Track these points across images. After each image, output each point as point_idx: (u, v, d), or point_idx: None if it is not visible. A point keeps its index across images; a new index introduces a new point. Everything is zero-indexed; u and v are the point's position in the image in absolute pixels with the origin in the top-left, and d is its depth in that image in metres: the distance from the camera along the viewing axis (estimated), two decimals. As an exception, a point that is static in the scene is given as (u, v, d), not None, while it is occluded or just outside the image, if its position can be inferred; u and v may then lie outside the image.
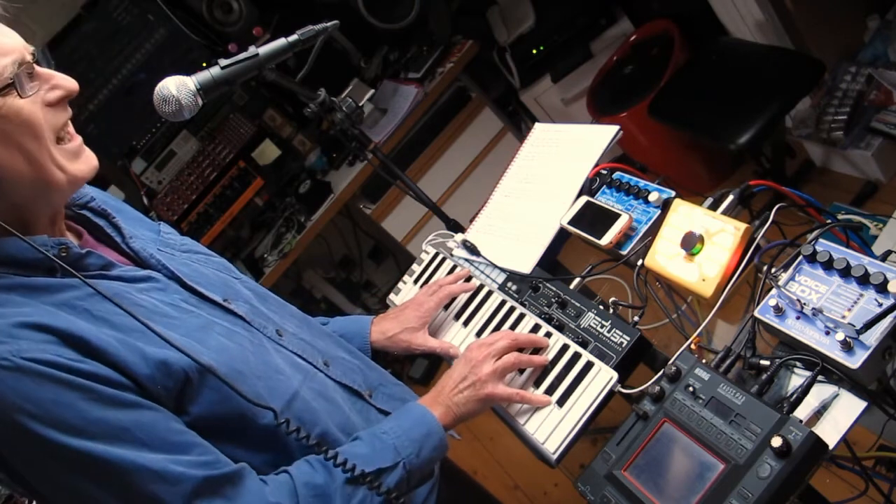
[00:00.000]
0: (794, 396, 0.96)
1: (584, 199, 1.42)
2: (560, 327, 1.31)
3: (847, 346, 0.91)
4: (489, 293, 1.48)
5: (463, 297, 1.50)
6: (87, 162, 0.99)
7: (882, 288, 0.91)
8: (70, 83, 0.96)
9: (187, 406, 0.97)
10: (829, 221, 1.08)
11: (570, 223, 1.40)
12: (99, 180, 1.08)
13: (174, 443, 0.91)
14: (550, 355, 1.26)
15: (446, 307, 1.50)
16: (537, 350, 1.28)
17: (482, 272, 1.55)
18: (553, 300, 1.36)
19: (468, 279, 1.53)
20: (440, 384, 1.21)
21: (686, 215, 1.20)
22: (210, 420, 0.98)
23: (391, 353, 1.46)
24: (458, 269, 1.59)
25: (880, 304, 0.91)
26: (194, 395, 0.97)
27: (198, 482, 0.91)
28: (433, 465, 1.16)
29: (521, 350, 1.27)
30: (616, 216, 1.31)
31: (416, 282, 1.69)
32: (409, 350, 1.43)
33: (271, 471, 1.03)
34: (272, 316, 1.19)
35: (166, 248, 1.14)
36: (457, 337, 1.46)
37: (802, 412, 0.97)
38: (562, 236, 1.45)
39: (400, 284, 1.74)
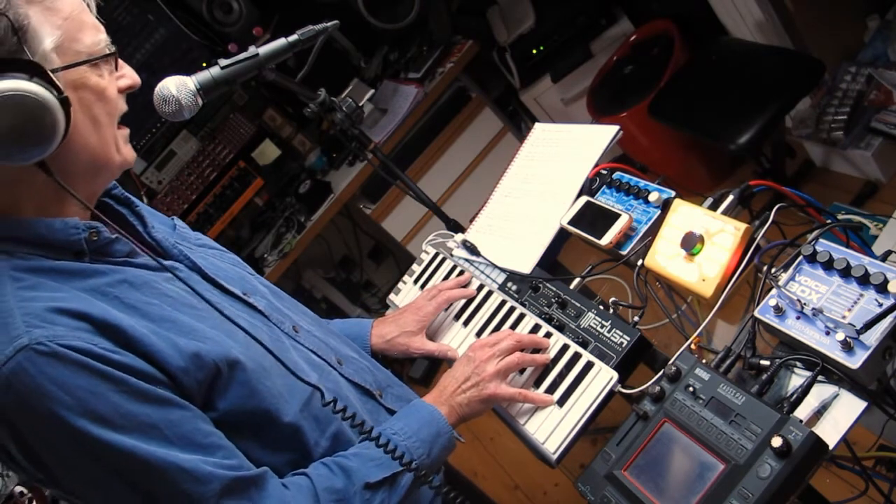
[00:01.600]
0: (794, 396, 0.96)
1: (584, 199, 1.42)
2: (560, 327, 1.31)
3: (847, 346, 0.91)
4: (489, 293, 1.48)
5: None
6: (132, 152, 1.03)
7: (882, 288, 0.91)
8: (137, 78, 1.02)
9: (215, 400, 0.96)
10: (829, 221, 1.08)
11: (570, 223, 1.40)
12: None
13: (201, 444, 0.91)
14: (551, 355, 1.26)
15: (446, 308, 1.50)
16: (537, 350, 1.28)
17: (482, 272, 1.55)
18: (553, 300, 1.36)
19: (468, 284, 1.52)
20: (442, 383, 1.21)
21: (686, 215, 1.20)
22: (236, 416, 0.97)
23: (390, 356, 1.46)
24: (457, 272, 1.59)
25: (880, 304, 0.91)
26: (223, 390, 0.96)
27: (226, 482, 0.90)
28: (441, 463, 1.16)
29: (522, 350, 1.27)
30: (616, 216, 1.31)
31: (416, 282, 1.69)
32: (408, 353, 1.43)
33: (290, 470, 1.02)
34: (288, 312, 1.19)
35: (184, 242, 1.14)
36: (457, 337, 1.46)
37: (802, 412, 0.97)
38: (562, 236, 1.45)
39: (400, 285, 1.74)
